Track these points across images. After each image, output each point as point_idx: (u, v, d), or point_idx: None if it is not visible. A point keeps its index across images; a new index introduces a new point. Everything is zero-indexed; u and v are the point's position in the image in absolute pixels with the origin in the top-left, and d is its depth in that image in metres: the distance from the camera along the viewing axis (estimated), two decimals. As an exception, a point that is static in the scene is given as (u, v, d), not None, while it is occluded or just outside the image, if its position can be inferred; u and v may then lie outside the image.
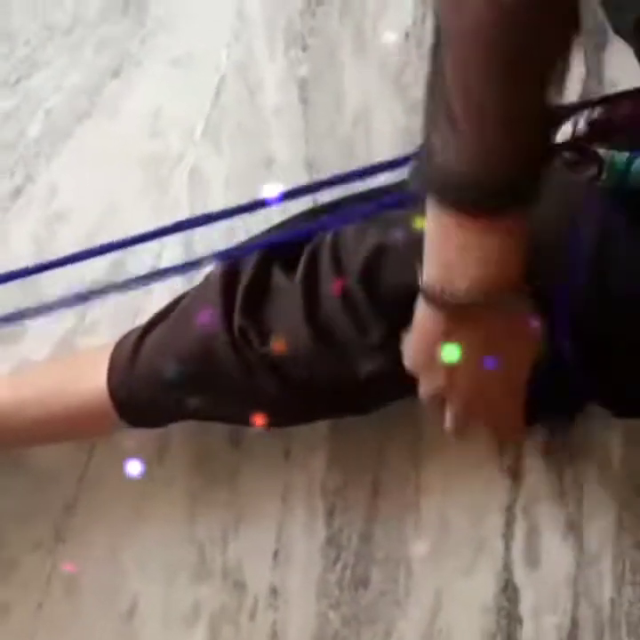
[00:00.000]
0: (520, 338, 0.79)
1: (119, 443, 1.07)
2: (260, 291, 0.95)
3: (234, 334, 0.94)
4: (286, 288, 0.94)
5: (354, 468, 1.07)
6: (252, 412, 0.98)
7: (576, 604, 1.04)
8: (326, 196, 1.05)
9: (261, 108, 1.17)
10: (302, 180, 1.09)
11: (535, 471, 1.06)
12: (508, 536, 1.05)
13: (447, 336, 0.77)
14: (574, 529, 1.05)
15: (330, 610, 1.04)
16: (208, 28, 1.20)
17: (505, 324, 0.77)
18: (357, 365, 0.92)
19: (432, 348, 0.79)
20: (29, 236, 1.14)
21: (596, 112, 0.81)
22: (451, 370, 0.80)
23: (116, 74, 1.19)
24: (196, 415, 1.02)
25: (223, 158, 1.15)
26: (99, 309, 1.11)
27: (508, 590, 1.04)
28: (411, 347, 0.83)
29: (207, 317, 0.95)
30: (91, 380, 1.00)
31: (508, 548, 1.05)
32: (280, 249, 0.97)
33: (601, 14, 0.97)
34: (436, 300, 0.76)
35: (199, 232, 1.05)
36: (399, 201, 0.89)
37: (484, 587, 1.04)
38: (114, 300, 1.10)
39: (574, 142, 0.79)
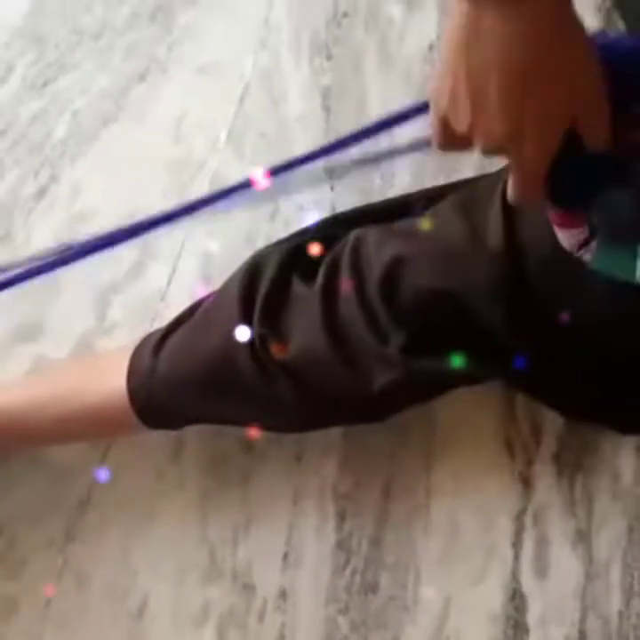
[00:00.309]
0: (568, 61, 0.66)
1: (133, 443, 1.08)
2: (279, 299, 0.96)
3: (253, 342, 0.94)
4: (305, 296, 0.95)
5: (365, 472, 1.07)
6: (267, 417, 0.99)
7: (584, 616, 1.03)
8: (347, 205, 1.07)
9: (285, 116, 1.18)
10: (323, 186, 1.10)
11: (546, 479, 1.06)
12: (517, 545, 1.05)
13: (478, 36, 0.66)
14: (583, 539, 1.05)
15: (339, 614, 1.04)
16: (234, 36, 1.22)
17: (553, 30, 0.64)
18: (373, 375, 0.92)
19: (460, 58, 0.67)
20: (53, 235, 1.16)
21: None
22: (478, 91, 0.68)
23: (142, 79, 1.21)
24: (212, 419, 1.02)
25: (245, 165, 1.17)
26: (118, 311, 1.13)
27: (516, 599, 1.04)
28: (437, 74, 0.71)
29: (227, 325, 0.96)
30: (110, 381, 1.01)
31: (517, 557, 1.05)
32: (300, 258, 0.98)
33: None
34: None
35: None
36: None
37: (492, 595, 1.04)
38: (132, 303, 1.11)
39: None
